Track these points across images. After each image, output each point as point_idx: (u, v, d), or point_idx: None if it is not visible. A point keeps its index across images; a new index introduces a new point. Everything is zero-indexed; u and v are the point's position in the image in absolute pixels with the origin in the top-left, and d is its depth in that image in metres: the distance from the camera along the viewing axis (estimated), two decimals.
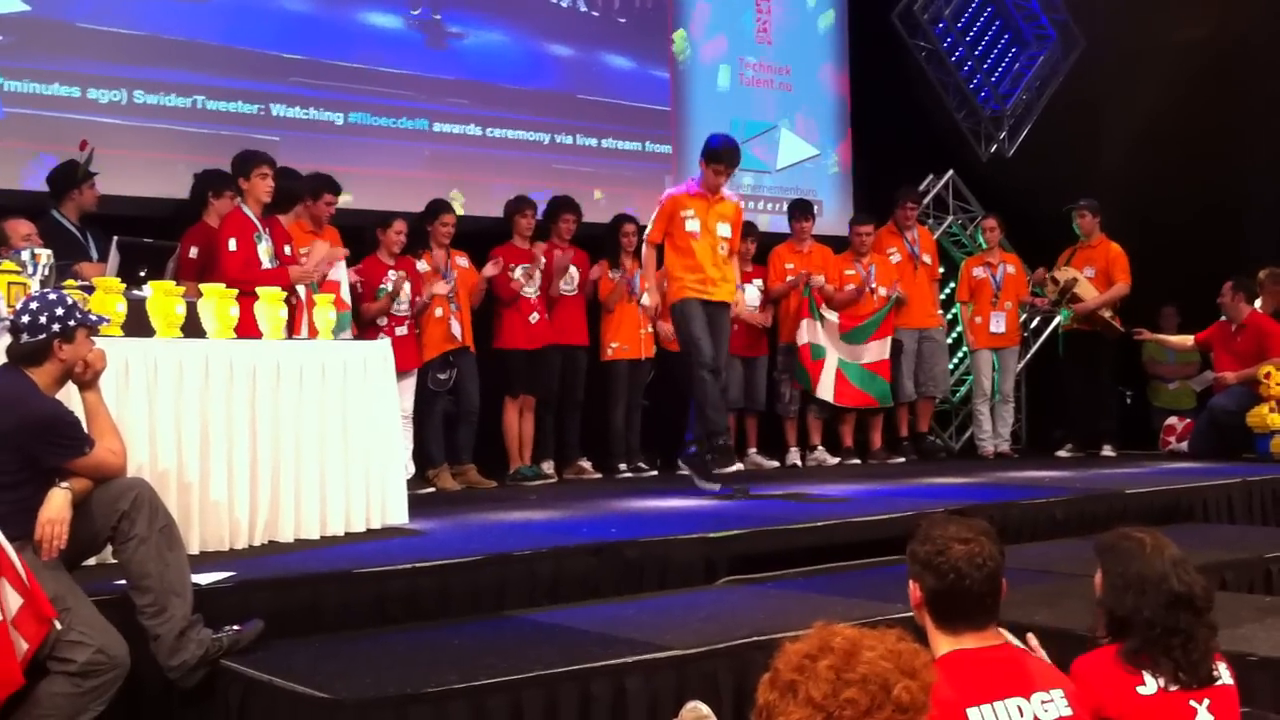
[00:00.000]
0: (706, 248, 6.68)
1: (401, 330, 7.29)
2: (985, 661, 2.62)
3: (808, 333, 8.88)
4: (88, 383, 3.92)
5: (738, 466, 6.69)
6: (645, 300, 6.77)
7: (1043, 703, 2.58)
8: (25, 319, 3.74)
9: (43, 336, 3.74)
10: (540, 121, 9.12)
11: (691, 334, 6.61)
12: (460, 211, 8.11)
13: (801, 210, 9.29)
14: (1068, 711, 2.61)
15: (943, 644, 2.66)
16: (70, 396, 3.96)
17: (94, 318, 3.94)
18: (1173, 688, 2.80)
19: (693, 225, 6.67)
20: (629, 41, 9.65)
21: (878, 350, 9.03)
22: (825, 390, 8.89)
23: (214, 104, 7.79)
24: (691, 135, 9.76)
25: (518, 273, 7.95)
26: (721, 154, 6.67)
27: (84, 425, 3.87)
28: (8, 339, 3.84)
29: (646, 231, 6.86)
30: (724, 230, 6.76)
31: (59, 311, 3.76)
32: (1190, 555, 3.06)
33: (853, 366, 8.94)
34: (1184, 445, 9.20)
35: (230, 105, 7.86)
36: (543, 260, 8.06)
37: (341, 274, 6.93)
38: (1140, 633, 2.84)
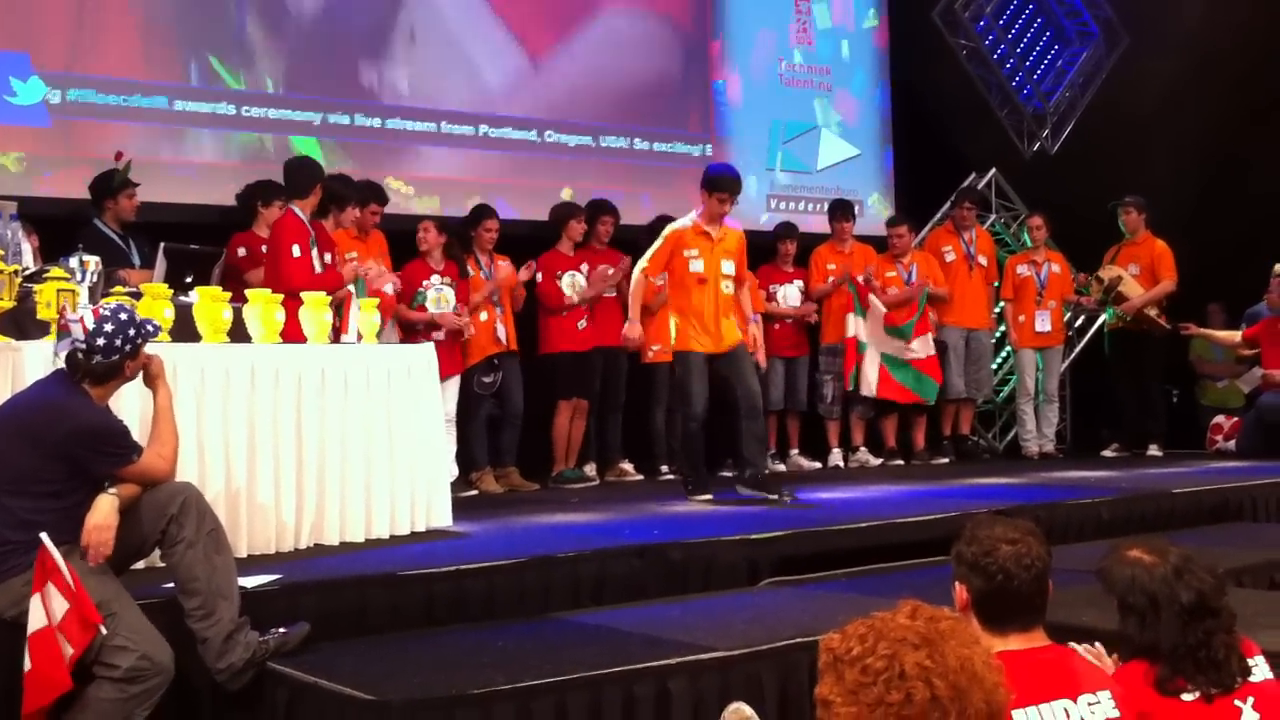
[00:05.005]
0: (711, 292, 6.60)
1: (439, 335, 7.29)
2: (1032, 663, 2.60)
3: (853, 326, 8.85)
4: (155, 376, 3.98)
5: (708, 495, 6.66)
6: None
7: (1090, 705, 2.56)
8: (101, 340, 3.75)
9: (116, 358, 3.78)
10: (579, 124, 9.13)
11: (688, 388, 6.57)
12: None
13: (841, 211, 9.24)
14: (1115, 714, 2.58)
15: (989, 645, 2.64)
16: (117, 404, 4.00)
17: (151, 328, 3.96)
18: (1214, 691, 2.76)
19: (697, 266, 6.59)
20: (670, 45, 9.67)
21: (922, 346, 8.95)
22: (868, 385, 8.85)
23: (258, 111, 7.85)
24: (733, 134, 9.79)
25: (564, 281, 7.96)
26: (721, 183, 6.60)
27: (132, 433, 3.91)
28: (66, 353, 3.84)
29: (643, 261, 6.72)
30: (728, 268, 6.68)
31: (130, 332, 3.80)
32: (1237, 554, 3.01)
33: (897, 362, 8.88)
34: (1231, 444, 9.10)
35: (275, 112, 7.92)
36: (611, 270, 8.11)
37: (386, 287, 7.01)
38: (1167, 659, 2.79)
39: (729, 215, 6.76)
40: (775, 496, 6.52)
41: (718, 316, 6.61)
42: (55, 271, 4.55)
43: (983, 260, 9.52)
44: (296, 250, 6.06)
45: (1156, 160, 9.67)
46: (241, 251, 6.85)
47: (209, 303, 4.87)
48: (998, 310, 9.91)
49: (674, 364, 6.80)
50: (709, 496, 6.64)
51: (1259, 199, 9.39)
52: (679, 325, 6.64)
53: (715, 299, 6.61)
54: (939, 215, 10.27)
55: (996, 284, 9.81)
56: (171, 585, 3.80)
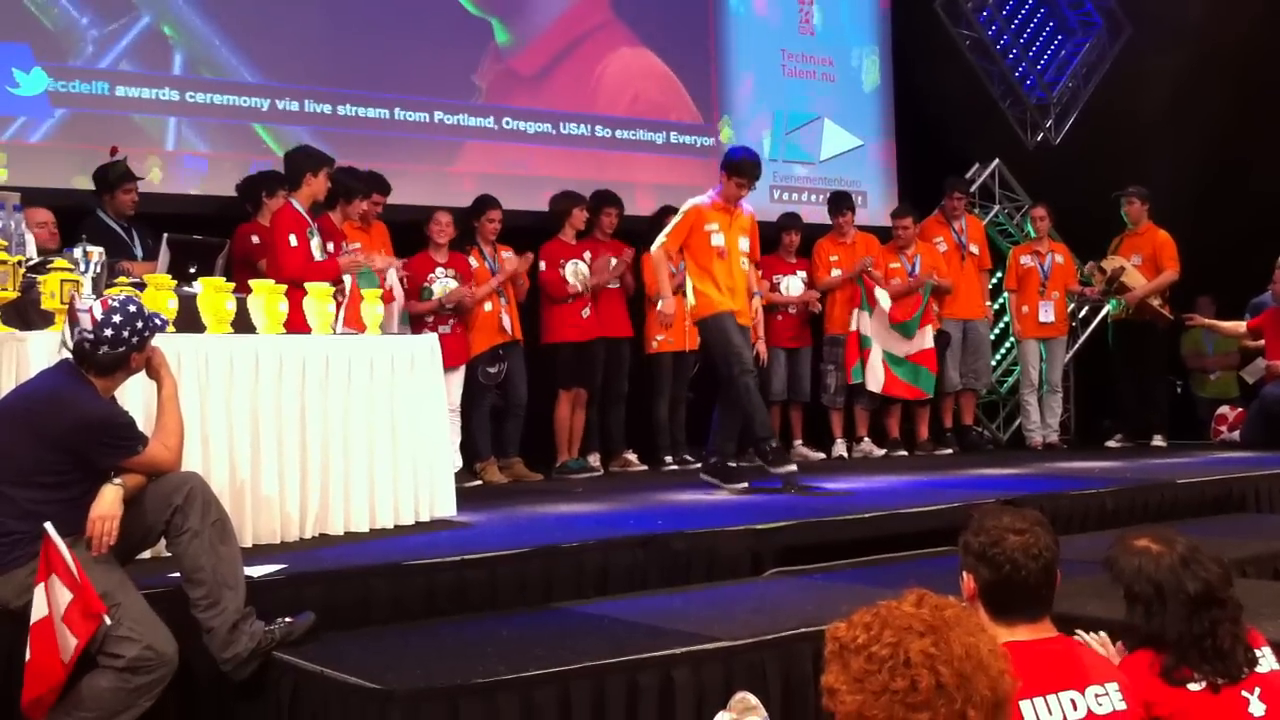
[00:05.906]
0: (731, 263, 6.67)
1: (444, 327, 7.27)
2: (1039, 654, 2.60)
3: (856, 321, 8.85)
4: (158, 366, 3.96)
5: (792, 466, 6.68)
6: (661, 306, 6.74)
7: (1097, 696, 2.56)
8: (109, 332, 3.73)
9: (122, 349, 3.77)
10: (584, 116, 9.13)
11: (733, 345, 6.58)
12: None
13: (841, 203, 9.23)
14: (1122, 705, 2.58)
15: (996, 636, 2.63)
16: (122, 394, 4.00)
17: (158, 321, 3.96)
18: (1220, 681, 2.76)
19: (718, 240, 6.66)
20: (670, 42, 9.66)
21: (919, 340, 8.98)
22: (874, 381, 8.86)
23: (262, 101, 7.85)
24: (736, 125, 9.77)
25: (567, 270, 7.96)
26: (744, 167, 6.67)
27: (137, 424, 3.90)
28: (71, 347, 3.83)
29: (663, 239, 6.75)
30: (744, 244, 6.78)
31: (138, 324, 3.79)
32: (1241, 545, 3.00)
33: (895, 358, 8.90)
34: (1235, 435, 9.10)
35: (279, 102, 7.91)
36: (615, 260, 8.11)
37: (391, 276, 7.01)
38: (1173, 649, 2.79)
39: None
40: (735, 487, 6.55)
41: (737, 285, 6.70)
42: (59, 262, 4.54)
43: (974, 249, 9.52)
44: (293, 240, 6.06)
45: (1159, 151, 9.66)
46: (255, 239, 6.86)
47: (213, 293, 4.86)
48: (1001, 301, 9.91)
49: (707, 331, 6.76)
50: (745, 485, 6.61)
51: (1259, 192, 9.38)
52: (701, 295, 6.67)
53: (734, 270, 6.69)
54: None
55: (995, 275, 9.80)
56: (177, 575, 3.80)
